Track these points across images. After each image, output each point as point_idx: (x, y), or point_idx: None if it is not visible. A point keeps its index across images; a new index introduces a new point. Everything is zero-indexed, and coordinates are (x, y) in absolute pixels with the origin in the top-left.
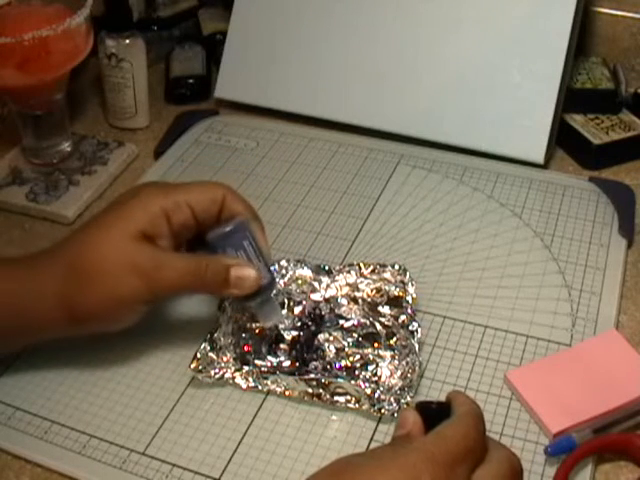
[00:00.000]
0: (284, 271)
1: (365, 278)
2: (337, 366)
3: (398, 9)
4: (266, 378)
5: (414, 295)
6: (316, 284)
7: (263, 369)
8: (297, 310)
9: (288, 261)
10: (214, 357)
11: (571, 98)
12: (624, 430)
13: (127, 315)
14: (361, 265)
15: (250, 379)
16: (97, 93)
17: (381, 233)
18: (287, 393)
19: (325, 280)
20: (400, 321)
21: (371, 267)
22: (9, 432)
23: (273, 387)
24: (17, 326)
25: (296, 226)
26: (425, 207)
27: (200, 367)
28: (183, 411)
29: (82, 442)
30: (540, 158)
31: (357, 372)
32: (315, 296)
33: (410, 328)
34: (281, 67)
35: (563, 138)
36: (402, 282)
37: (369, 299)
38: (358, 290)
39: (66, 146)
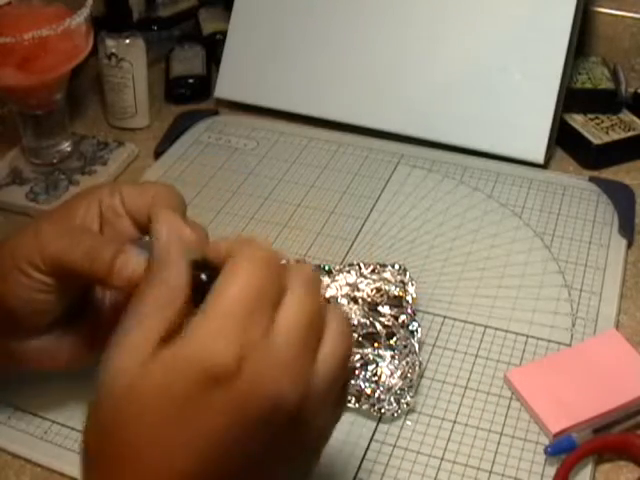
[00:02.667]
0: None
1: (365, 278)
2: None
3: (398, 9)
4: None
5: (414, 295)
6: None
7: None
8: None
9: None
10: None
11: (571, 98)
12: (624, 430)
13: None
14: (361, 265)
15: None
16: (97, 93)
17: (381, 233)
18: None
19: (325, 280)
20: (400, 321)
21: (371, 267)
22: (9, 432)
23: None
24: None
25: (296, 226)
26: (425, 207)
27: None
28: None
29: None
30: (540, 158)
31: (357, 372)
32: None
33: (410, 328)
34: (281, 67)
35: (563, 138)
36: (402, 282)
37: (369, 299)
38: (358, 290)
39: (66, 146)
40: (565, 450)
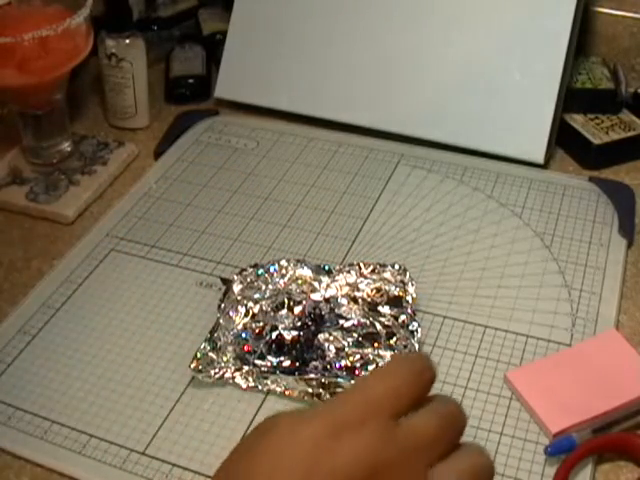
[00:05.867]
0: (284, 271)
1: (365, 278)
2: (337, 366)
3: (397, 10)
4: (266, 378)
5: (414, 295)
6: (316, 284)
7: (263, 369)
8: (297, 310)
9: (288, 261)
10: (214, 357)
11: (571, 98)
12: (624, 430)
13: None
14: (361, 265)
15: (250, 379)
16: (97, 93)
17: (381, 233)
18: (287, 393)
19: (325, 280)
20: (400, 321)
21: (371, 267)
22: (9, 432)
23: (273, 387)
24: None
25: (296, 226)
26: (425, 207)
27: (200, 367)
28: (183, 411)
29: (82, 442)
30: (540, 158)
31: (357, 372)
32: (315, 296)
33: (410, 328)
34: (281, 67)
35: (563, 138)
36: (402, 282)
37: (369, 299)
38: (358, 290)
39: (66, 146)
40: (565, 450)
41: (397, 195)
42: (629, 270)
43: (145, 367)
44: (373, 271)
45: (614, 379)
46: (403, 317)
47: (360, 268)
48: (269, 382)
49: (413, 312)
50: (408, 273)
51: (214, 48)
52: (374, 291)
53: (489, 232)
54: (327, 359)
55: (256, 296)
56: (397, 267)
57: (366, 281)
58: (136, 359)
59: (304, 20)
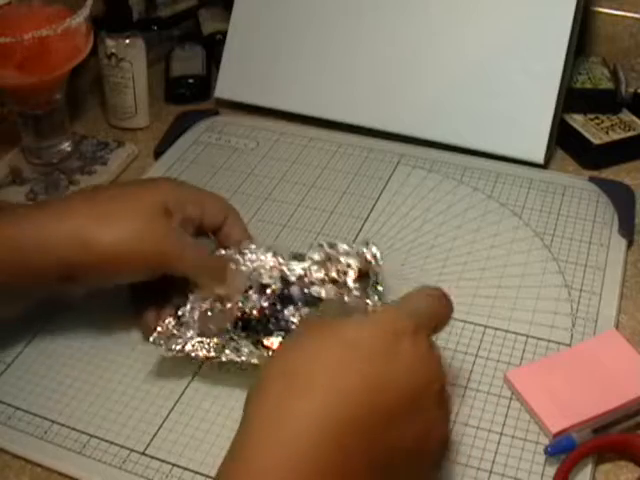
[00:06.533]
0: (254, 256)
1: (333, 260)
2: None
3: (397, 10)
4: (225, 347)
5: (377, 254)
6: (285, 269)
7: (223, 341)
8: (267, 291)
9: (258, 247)
10: (175, 332)
11: (571, 98)
12: (624, 430)
13: (125, 271)
14: (330, 246)
15: (211, 349)
16: (97, 93)
17: (381, 233)
18: (250, 360)
19: (295, 265)
20: (368, 290)
21: (342, 247)
22: (9, 432)
23: (232, 356)
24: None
25: (296, 226)
26: (425, 207)
27: (161, 341)
28: (183, 411)
29: (82, 442)
30: (540, 158)
31: None
32: (284, 279)
33: (379, 288)
34: (281, 67)
35: (563, 138)
36: (367, 256)
37: (339, 278)
38: (328, 271)
39: (66, 146)
40: (565, 450)
41: (397, 195)
42: (629, 270)
43: (145, 367)
44: (344, 252)
45: (614, 379)
46: (369, 288)
47: (331, 247)
48: (229, 351)
49: (377, 278)
50: (371, 245)
51: (214, 48)
52: (343, 269)
53: (489, 232)
54: (290, 330)
55: None
56: (360, 243)
57: (334, 262)
58: (136, 359)
59: (304, 20)
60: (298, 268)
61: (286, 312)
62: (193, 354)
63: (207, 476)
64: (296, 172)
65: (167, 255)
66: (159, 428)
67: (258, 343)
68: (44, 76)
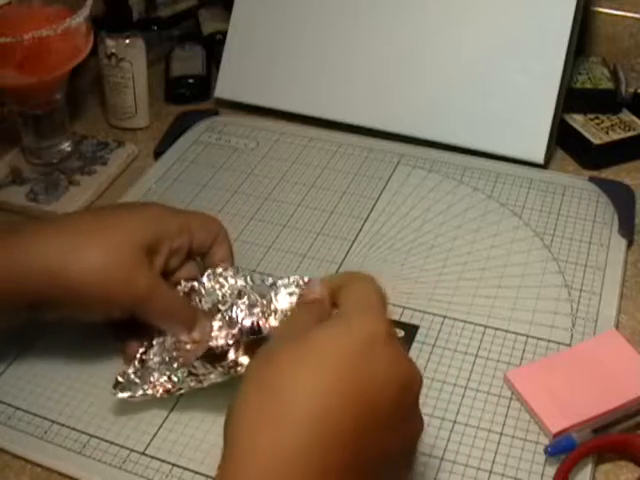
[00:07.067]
0: (222, 280)
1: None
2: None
3: (397, 10)
4: (189, 378)
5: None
6: (258, 301)
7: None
8: (234, 330)
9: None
10: (138, 381)
11: (571, 98)
12: (624, 430)
13: (94, 307)
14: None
15: (174, 383)
16: (97, 93)
17: (381, 233)
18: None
19: (269, 296)
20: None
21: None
22: (9, 432)
23: (196, 385)
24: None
25: (296, 226)
26: (425, 207)
27: (124, 391)
28: (183, 411)
29: (82, 442)
30: (540, 158)
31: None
32: (254, 313)
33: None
34: (281, 67)
35: (563, 138)
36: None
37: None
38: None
39: (66, 146)
40: (565, 450)
41: (397, 195)
42: (629, 270)
43: None
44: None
45: (614, 379)
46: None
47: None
48: (193, 383)
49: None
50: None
51: (214, 48)
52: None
53: (489, 232)
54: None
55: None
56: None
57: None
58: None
59: (304, 20)
60: (270, 302)
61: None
62: (158, 395)
63: (207, 476)
64: (296, 172)
65: (135, 297)
66: (159, 428)
67: (226, 368)
68: (44, 76)
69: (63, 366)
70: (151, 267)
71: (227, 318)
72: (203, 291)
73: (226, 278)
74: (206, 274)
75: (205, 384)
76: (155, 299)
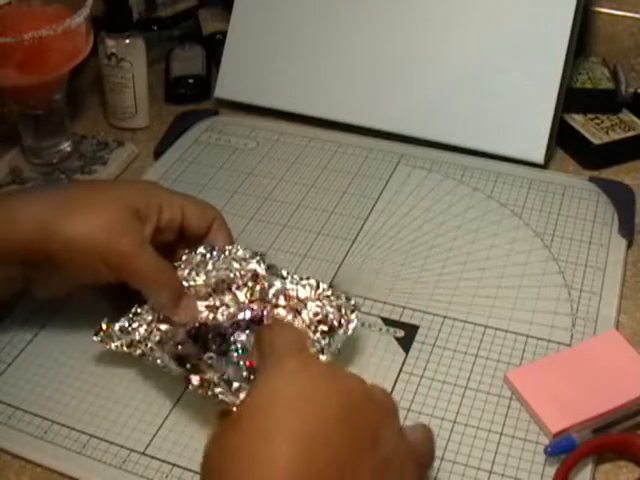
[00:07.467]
0: (239, 264)
1: (316, 300)
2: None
3: (398, 10)
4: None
5: (349, 333)
6: (266, 284)
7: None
8: (239, 315)
9: (245, 250)
10: (121, 335)
11: (571, 98)
12: (624, 430)
13: (85, 266)
14: (320, 284)
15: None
16: (97, 93)
17: (381, 233)
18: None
19: (277, 285)
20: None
21: (328, 291)
22: (9, 432)
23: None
24: None
25: (296, 226)
26: (425, 207)
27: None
28: (183, 411)
29: (82, 442)
30: (540, 158)
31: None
32: (257, 303)
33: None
34: (281, 67)
35: (563, 138)
36: (343, 313)
37: (308, 321)
38: (305, 308)
39: (66, 146)
40: (565, 450)
41: (397, 195)
42: (629, 270)
43: (145, 367)
44: (327, 296)
45: (614, 379)
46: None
47: (317, 288)
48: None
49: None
50: (353, 302)
51: (214, 48)
52: (315, 315)
53: (489, 232)
54: (226, 358)
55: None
56: (345, 298)
57: (315, 303)
58: (136, 359)
59: (304, 20)
60: (277, 292)
61: (241, 337)
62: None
63: None
64: (296, 172)
65: (119, 254)
66: (159, 428)
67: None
68: (44, 76)
69: (63, 366)
70: (139, 230)
71: (232, 298)
72: (211, 266)
73: (245, 259)
74: (217, 248)
75: (160, 363)
76: (138, 259)
